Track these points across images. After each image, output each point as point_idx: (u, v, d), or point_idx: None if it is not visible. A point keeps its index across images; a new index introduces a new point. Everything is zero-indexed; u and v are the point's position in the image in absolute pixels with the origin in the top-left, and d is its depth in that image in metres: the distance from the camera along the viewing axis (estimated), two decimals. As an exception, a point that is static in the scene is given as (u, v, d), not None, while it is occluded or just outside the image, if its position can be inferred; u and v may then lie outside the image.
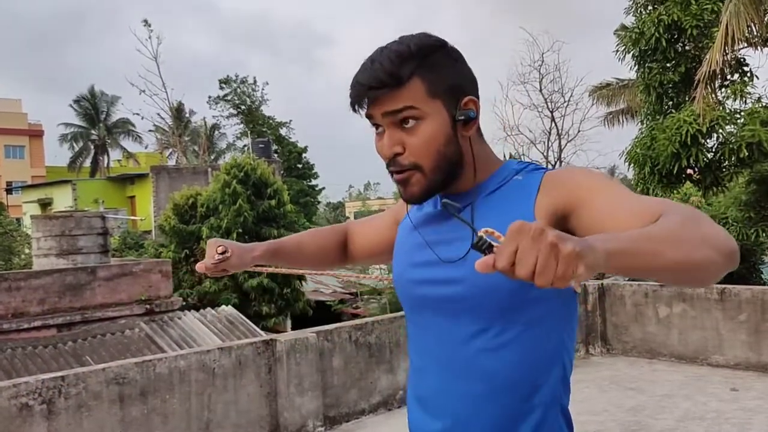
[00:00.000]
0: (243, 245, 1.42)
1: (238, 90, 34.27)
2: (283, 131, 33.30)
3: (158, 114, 30.08)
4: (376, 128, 1.16)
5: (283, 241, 1.52)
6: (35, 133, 46.85)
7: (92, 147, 44.43)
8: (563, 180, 1.14)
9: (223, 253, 1.35)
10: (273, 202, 15.56)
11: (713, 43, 8.60)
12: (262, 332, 9.93)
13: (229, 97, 34.28)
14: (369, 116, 1.15)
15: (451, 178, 1.16)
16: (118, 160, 45.47)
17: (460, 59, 1.18)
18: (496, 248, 0.79)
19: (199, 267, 1.37)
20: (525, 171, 1.19)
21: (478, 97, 1.18)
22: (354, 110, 1.16)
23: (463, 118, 1.14)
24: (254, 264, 1.44)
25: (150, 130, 35.02)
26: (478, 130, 1.20)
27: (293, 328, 13.43)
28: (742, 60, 9.57)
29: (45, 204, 30.73)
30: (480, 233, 0.82)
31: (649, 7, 10.12)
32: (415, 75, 1.11)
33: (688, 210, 0.96)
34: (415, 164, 1.13)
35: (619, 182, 1.16)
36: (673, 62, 9.82)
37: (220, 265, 1.37)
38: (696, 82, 8.94)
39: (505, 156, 13.16)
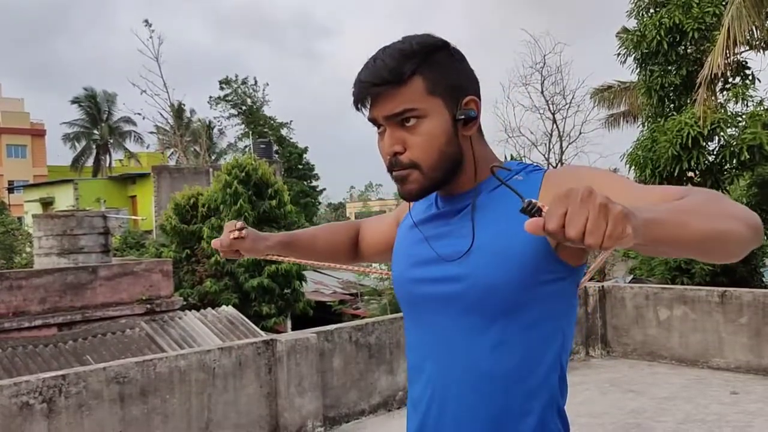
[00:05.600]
0: (259, 232, 1.46)
1: (239, 90, 34.24)
2: (284, 132, 33.28)
3: (160, 114, 30.06)
4: (378, 128, 1.17)
5: (298, 234, 1.55)
6: (37, 133, 46.90)
7: (94, 147, 44.47)
8: (567, 176, 1.14)
9: (241, 229, 1.41)
10: (274, 203, 15.57)
11: (714, 46, 8.60)
12: (262, 332, 9.94)
13: (229, 98, 34.26)
14: (372, 120, 1.16)
15: (450, 177, 1.17)
16: (120, 160, 45.51)
17: (462, 59, 1.19)
18: (546, 211, 0.82)
19: (215, 243, 1.42)
20: (525, 171, 1.20)
21: (479, 98, 1.19)
22: (357, 108, 1.17)
23: (463, 117, 1.14)
24: (267, 253, 1.49)
25: (152, 132, 35.02)
26: (479, 131, 1.21)
27: (293, 329, 13.43)
28: (743, 63, 9.57)
29: (47, 203, 30.75)
30: (527, 200, 0.85)
31: (651, 10, 10.12)
32: (417, 73, 1.12)
33: (711, 191, 1.00)
34: (415, 162, 1.14)
35: (623, 176, 1.16)
36: (675, 65, 9.83)
37: (234, 244, 1.42)
38: (697, 84, 8.94)
39: (506, 157, 13.17)
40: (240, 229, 1.41)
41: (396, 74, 1.11)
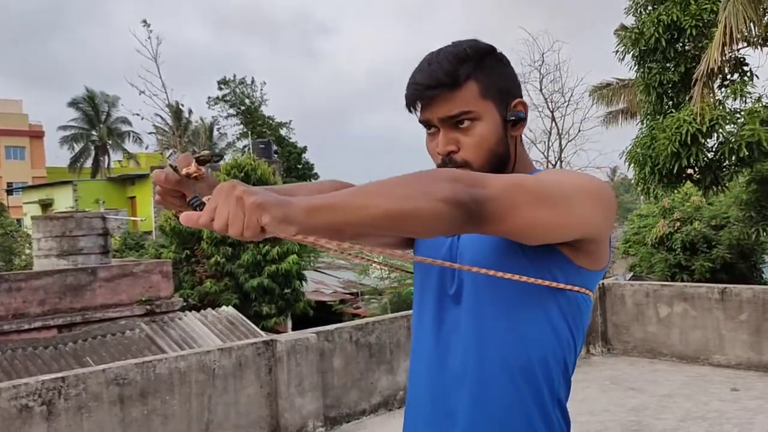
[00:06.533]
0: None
1: (237, 90, 34.25)
2: (283, 131, 33.29)
3: (158, 115, 30.03)
4: (428, 128, 1.20)
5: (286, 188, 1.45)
6: (36, 134, 46.86)
7: (92, 148, 44.42)
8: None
9: (202, 163, 1.01)
10: (273, 203, 15.56)
11: (712, 42, 8.59)
12: (262, 333, 9.93)
13: (228, 98, 34.27)
14: (424, 121, 1.19)
15: None
16: (119, 161, 45.48)
17: (508, 64, 1.23)
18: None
19: (158, 175, 1.03)
20: (534, 172, 1.22)
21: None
22: (410, 110, 1.20)
23: (513, 118, 1.19)
24: None
25: (150, 133, 35.00)
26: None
27: (294, 329, 13.42)
28: (741, 59, 9.56)
29: (46, 205, 30.75)
30: (200, 197, 0.90)
31: (649, 8, 10.12)
32: (471, 77, 1.15)
33: (428, 171, 0.97)
34: (467, 162, 1.17)
35: (562, 171, 1.18)
36: (673, 62, 9.82)
37: (184, 184, 1.03)
38: (694, 80, 8.94)
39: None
40: (201, 162, 1.01)
41: (452, 77, 1.14)
